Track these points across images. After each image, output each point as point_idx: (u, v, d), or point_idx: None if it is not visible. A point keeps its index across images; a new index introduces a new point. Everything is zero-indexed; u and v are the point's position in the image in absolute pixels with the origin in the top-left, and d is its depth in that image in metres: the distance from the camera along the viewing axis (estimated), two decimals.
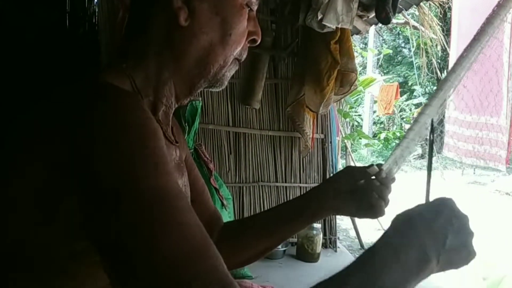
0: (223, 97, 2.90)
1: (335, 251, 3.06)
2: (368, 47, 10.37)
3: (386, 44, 13.98)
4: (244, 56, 0.75)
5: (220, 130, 2.90)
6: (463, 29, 5.24)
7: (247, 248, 0.89)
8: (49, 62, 2.78)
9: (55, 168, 0.48)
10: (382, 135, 12.76)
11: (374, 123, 13.77)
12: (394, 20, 4.31)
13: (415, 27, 4.44)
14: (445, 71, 8.46)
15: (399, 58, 15.35)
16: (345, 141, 4.19)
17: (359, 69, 12.50)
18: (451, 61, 5.74)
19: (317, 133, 3.02)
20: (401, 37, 14.21)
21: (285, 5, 2.78)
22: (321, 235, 2.85)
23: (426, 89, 13.09)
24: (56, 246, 0.50)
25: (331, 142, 3.10)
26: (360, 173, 0.83)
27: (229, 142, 2.93)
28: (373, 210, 0.81)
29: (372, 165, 0.85)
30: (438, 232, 0.54)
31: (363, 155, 11.74)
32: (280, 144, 3.00)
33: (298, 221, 0.86)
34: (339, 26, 2.41)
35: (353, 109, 13.15)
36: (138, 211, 0.46)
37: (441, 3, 4.25)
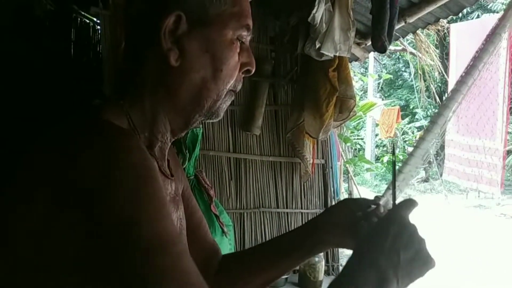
0: (224, 123, 2.93)
1: None
2: (368, 72, 10.48)
3: (386, 68, 14.14)
4: (239, 87, 0.76)
5: (220, 156, 2.92)
6: (461, 54, 5.33)
7: (247, 281, 0.88)
8: (55, 90, 2.84)
9: (53, 204, 0.49)
10: (385, 158, 12.74)
11: (377, 146, 13.79)
12: (391, 47, 4.38)
13: (412, 53, 4.53)
14: (445, 94, 8.49)
15: (400, 82, 15.49)
16: (347, 165, 4.19)
17: (359, 93, 12.64)
18: (450, 85, 5.82)
19: (317, 158, 3.04)
20: (401, 61, 14.37)
21: (284, 34, 2.85)
22: (324, 262, 2.82)
23: (428, 112, 13.14)
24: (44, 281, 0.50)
25: (332, 167, 3.11)
26: (357, 206, 0.83)
27: (229, 168, 2.94)
28: None
29: (376, 197, 0.85)
30: (390, 250, 0.56)
31: (366, 179, 11.69)
32: (281, 170, 3.01)
33: (296, 256, 0.86)
34: (337, 54, 2.47)
35: (355, 133, 13.23)
36: (141, 258, 0.47)
37: (438, 30, 4.34)
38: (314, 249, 0.86)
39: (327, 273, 2.97)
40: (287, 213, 3.01)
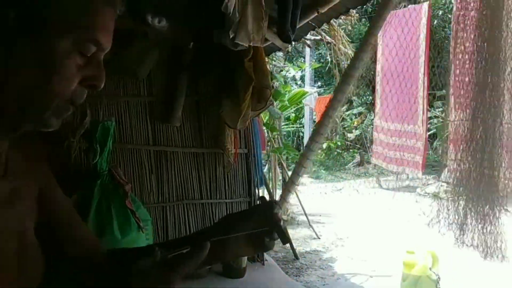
0: (142, 115, 2.85)
1: (263, 264, 3.08)
2: (306, 62, 10.70)
3: (323, 58, 14.52)
4: (79, 100, 0.72)
5: (140, 149, 2.84)
6: (386, 41, 5.60)
7: None
8: None
9: None
10: (324, 145, 13.17)
11: None
12: (310, 36, 4.49)
13: (329, 43, 4.71)
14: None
15: (337, 70, 15.99)
16: (275, 154, 4.27)
17: (298, 83, 12.86)
18: (378, 72, 6.13)
19: (240, 148, 3.05)
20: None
21: (201, 24, 2.80)
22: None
23: (362, 99, 13.71)
24: None
25: (255, 156, 3.14)
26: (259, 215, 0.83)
27: (150, 161, 2.87)
28: (264, 247, 0.82)
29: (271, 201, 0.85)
30: None
31: None
32: (204, 161, 2.99)
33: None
34: (251, 44, 2.47)
35: (297, 121, 13.50)
36: None
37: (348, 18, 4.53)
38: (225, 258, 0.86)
39: (251, 260, 3.02)
40: (211, 203, 3.01)
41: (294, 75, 11.51)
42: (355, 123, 13.51)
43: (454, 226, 1.01)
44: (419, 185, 9.08)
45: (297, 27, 2.85)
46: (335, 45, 4.59)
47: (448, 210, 1.01)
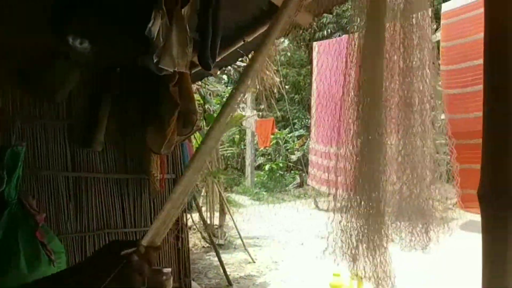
0: (61, 140, 2.69)
1: None
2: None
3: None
4: None
5: (57, 175, 2.66)
6: (322, 67, 5.85)
7: None
8: None
9: None
10: (267, 166, 13.33)
11: (263, 154, 14.34)
12: (240, 63, 4.58)
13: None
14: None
15: (280, 94, 16.42)
16: (213, 178, 4.22)
17: (241, 105, 12.99)
18: (313, 96, 6.37)
19: (168, 173, 2.97)
20: (279, 74, 15.22)
21: (126, 47, 2.74)
22: (171, 280, 2.74)
23: (302, 122, 14.11)
24: None
25: None
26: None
27: (68, 188, 2.70)
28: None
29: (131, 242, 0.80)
30: None
31: (247, 187, 12.04)
32: (128, 187, 2.87)
33: None
34: (176, 69, 2.44)
35: (241, 143, 13.56)
36: None
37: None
38: None
39: None
40: (135, 232, 2.88)
41: None
42: (297, 145, 13.84)
43: (347, 256, 1.03)
44: None
45: (225, 54, 2.89)
46: (261, 71, 4.72)
47: (341, 240, 1.03)
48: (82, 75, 2.67)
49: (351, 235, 1.07)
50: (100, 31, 2.67)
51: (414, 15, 1.10)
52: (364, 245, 1.05)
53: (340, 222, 1.11)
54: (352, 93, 1.16)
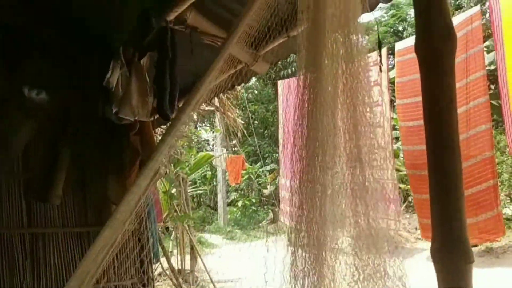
0: (15, 194, 2.56)
1: None
2: (215, 126, 10.94)
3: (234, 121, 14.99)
4: None
5: (11, 233, 2.51)
6: (287, 104, 5.98)
7: None
8: None
9: None
10: (240, 202, 13.19)
11: (236, 190, 14.20)
12: (205, 108, 4.63)
13: (223, 112, 4.93)
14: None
15: (251, 130, 16.58)
16: (180, 223, 4.11)
17: (211, 143, 12.97)
18: (280, 131, 6.47)
19: (131, 223, 2.86)
20: (248, 111, 15.42)
21: (85, 97, 2.70)
22: None
23: (273, 157, 14.19)
24: None
25: (148, 231, 2.96)
26: None
27: (23, 246, 2.55)
28: None
29: None
30: None
31: (220, 226, 11.82)
32: (89, 241, 2.73)
33: None
34: (136, 118, 2.42)
35: (213, 179, 13.41)
36: None
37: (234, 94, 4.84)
38: None
39: None
40: None
41: (206, 138, 11.65)
42: (269, 179, 13.83)
43: None
44: None
45: (184, 100, 2.89)
46: (224, 113, 4.80)
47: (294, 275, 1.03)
48: (39, 125, 2.59)
49: (303, 270, 1.07)
50: (57, 81, 2.63)
51: (354, 60, 1.14)
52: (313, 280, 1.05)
53: (293, 255, 1.11)
54: (304, 128, 1.18)
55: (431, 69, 0.84)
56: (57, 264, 2.64)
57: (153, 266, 2.99)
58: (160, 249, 3.75)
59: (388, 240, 1.12)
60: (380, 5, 1.99)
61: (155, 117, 3.06)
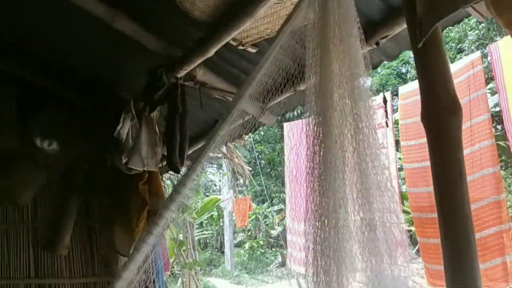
0: (23, 244, 2.57)
1: None
2: (223, 169, 10.99)
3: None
4: None
5: (17, 284, 2.50)
6: (292, 146, 5.99)
7: None
8: None
9: None
10: (247, 244, 12.94)
11: (243, 230, 13.99)
12: (213, 155, 4.69)
13: (231, 160, 5.01)
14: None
15: (258, 170, 16.59)
16: (188, 270, 4.06)
17: (218, 184, 12.93)
18: (287, 172, 6.44)
19: (137, 274, 2.83)
20: (255, 151, 15.53)
21: (95, 148, 2.76)
22: None
23: (280, 197, 14.10)
24: None
25: (155, 283, 2.92)
26: None
27: None
28: None
29: None
30: None
31: (227, 270, 11.56)
32: None
33: None
34: (145, 169, 2.46)
35: (220, 220, 13.27)
36: None
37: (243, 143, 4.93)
38: None
39: None
40: None
41: (213, 180, 11.66)
42: (276, 219, 13.62)
43: None
44: None
45: (194, 150, 2.95)
46: (231, 160, 4.87)
47: None
48: (49, 175, 2.64)
49: None
50: (68, 132, 2.71)
51: (360, 104, 1.17)
52: None
53: None
54: (314, 173, 1.19)
55: (438, 141, 0.86)
56: None
57: None
58: None
59: (400, 285, 1.10)
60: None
61: (163, 164, 3.11)
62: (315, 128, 1.23)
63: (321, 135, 1.21)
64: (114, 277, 2.64)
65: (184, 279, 5.41)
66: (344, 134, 1.20)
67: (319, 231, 1.18)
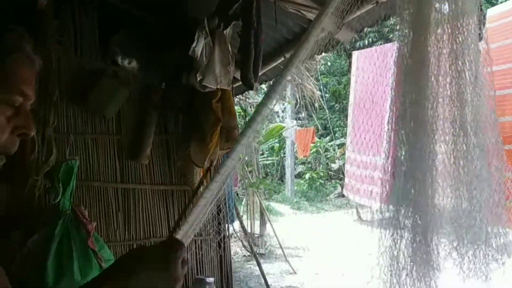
0: (110, 153, 2.85)
1: None
2: (287, 96, 10.94)
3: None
4: (13, 149, 0.74)
5: (107, 187, 2.83)
6: (361, 76, 5.75)
7: None
8: None
9: None
10: (307, 175, 13.24)
11: (303, 163, 14.26)
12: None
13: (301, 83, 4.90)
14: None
15: (322, 103, 16.31)
16: (254, 189, 4.29)
17: (281, 115, 13.02)
18: (351, 105, 6.25)
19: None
20: (319, 83, 15.17)
21: (171, 66, 2.87)
22: None
23: (343, 131, 13.93)
24: None
25: (226, 193, 3.15)
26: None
27: (117, 199, 2.86)
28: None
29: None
30: None
31: (287, 196, 12.02)
32: (173, 198, 2.99)
33: None
34: (219, 87, 2.54)
35: (281, 151, 13.57)
36: None
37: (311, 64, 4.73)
38: None
39: None
40: None
41: (275, 109, 11.70)
42: (338, 153, 13.61)
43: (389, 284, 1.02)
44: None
45: (265, 70, 2.96)
46: (301, 84, 4.77)
47: (386, 265, 1.03)
48: (130, 92, 2.83)
49: (394, 259, 1.05)
50: (146, 50, 2.83)
51: (460, 21, 1.06)
52: (408, 272, 1.01)
53: (383, 244, 1.06)
54: (398, 102, 1.11)
55: None
56: (145, 217, 2.93)
57: (229, 225, 3.18)
58: (234, 213, 3.97)
59: (491, 210, 1.03)
60: None
61: (233, 87, 3.18)
62: (406, 43, 1.11)
63: (414, 52, 1.10)
64: (190, 186, 2.88)
65: (248, 199, 5.75)
66: (441, 53, 1.09)
67: (398, 163, 1.08)
